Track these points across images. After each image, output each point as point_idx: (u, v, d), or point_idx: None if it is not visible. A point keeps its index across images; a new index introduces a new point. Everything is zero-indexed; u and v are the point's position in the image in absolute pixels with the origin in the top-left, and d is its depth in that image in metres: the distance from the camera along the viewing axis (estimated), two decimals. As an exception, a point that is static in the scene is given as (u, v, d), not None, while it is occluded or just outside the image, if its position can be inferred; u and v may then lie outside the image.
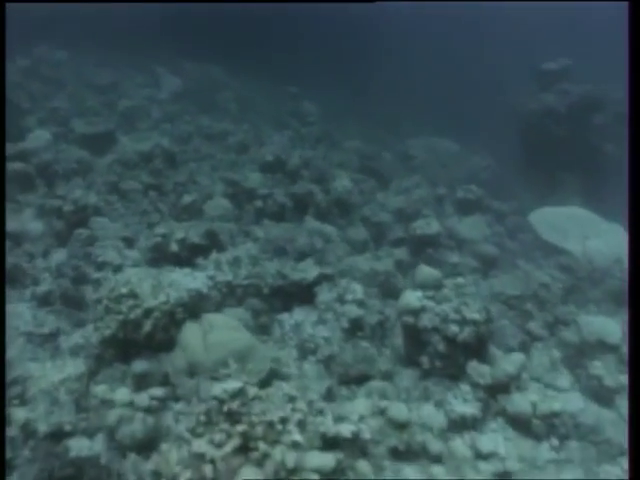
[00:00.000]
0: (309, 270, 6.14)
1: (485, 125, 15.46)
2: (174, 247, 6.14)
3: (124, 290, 4.76)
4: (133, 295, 4.75)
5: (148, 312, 4.71)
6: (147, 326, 4.67)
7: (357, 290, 5.97)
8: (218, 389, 3.78)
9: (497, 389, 4.87)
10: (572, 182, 12.33)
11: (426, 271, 5.54)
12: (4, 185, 7.49)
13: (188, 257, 6.27)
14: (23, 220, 7.22)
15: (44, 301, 5.87)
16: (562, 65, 13.09)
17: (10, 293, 5.86)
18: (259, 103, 14.38)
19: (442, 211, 10.63)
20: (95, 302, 5.08)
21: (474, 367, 4.98)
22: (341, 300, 5.85)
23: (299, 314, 5.82)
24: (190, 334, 4.68)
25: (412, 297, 5.32)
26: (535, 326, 6.29)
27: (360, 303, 5.85)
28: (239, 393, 3.73)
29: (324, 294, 5.96)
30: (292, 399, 3.85)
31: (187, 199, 8.12)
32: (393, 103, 20.08)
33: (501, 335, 5.97)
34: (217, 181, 8.88)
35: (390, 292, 6.71)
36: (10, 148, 8.36)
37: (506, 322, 6.24)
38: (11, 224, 6.96)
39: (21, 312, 5.60)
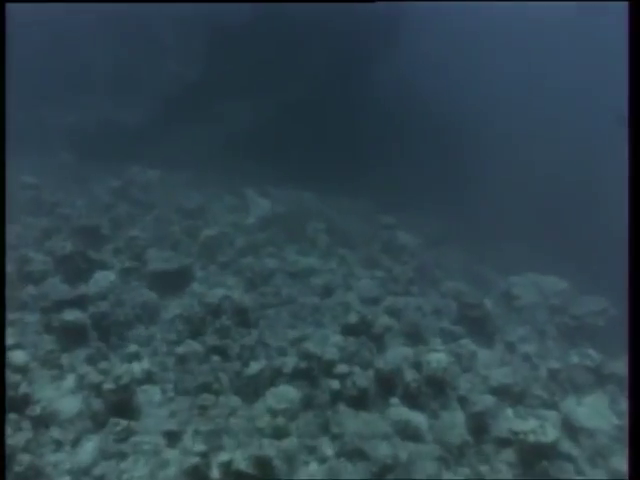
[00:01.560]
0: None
1: (596, 252, 13.71)
2: (215, 474, 4.77)
3: None
4: None
5: None
6: None
7: None
8: None
9: None
10: None
11: None
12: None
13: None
14: (61, 391, 6.18)
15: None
16: None
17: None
18: (350, 234, 13.32)
19: (554, 388, 8.77)
20: None
21: None
22: None
23: None
24: None
25: None
26: None
27: None
28: None
29: None
30: None
31: (253, 368, 6.87)
32: (493, 224, 18.59)
33: None
34: (290, 348, 7.58)
35: None
36: (69, 292, 7.58)
37: None
38: (46, 393, 5.95)
39: None
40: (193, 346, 7.12)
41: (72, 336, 7.11)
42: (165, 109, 15.60)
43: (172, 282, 9.19)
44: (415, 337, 9.36)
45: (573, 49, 22.37)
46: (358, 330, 8.00)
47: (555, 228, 16.96)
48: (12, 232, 10.68)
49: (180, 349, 6.97)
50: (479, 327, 10.39)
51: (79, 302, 7.54)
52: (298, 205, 14.18)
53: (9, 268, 8.79)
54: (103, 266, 9.24)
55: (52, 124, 15.56)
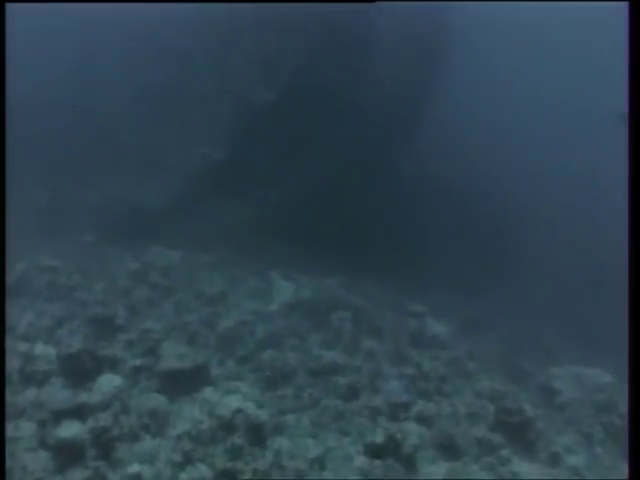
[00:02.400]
0: None
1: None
2: None
3: None
4: None
5: None
6: None
7: None
8: None
9: None
10: None
11: None
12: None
13: None
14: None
15: None
16: None
17: None
18: (377, 324, 12.56)
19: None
20: None
21: None
22: None
23: None
24: None
25: None
26: None
27: None
28: None
29: None
30: None
31: (266, 498, 6.05)
32: (528, 309, 17.82)
33: None
34: (309, 470, 6.77)
35: None
36: (69, 399, 6.97)
37: None
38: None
39: None
40: (200, 469, 6.37)
41: (68, 454, 6.45)
42: (190, 188, 15.40)
43: (185, 383, 8.54)
44: (449, 449, 8.47)
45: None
46: (385, 451, 7.15)
47: (595, 314, 16.09)
48: (24, 320, 10.30)
49: (184, 476, 6.22)
50: (519, 434, 9.44)
51: (80, 412, 6.90)
52: (323, 290, 13.55)
53: (13, 366, 8.30)
54: (112, 364, 8.66)
55: (76, 203, 15.45)
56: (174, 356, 9.01)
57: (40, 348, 9.00)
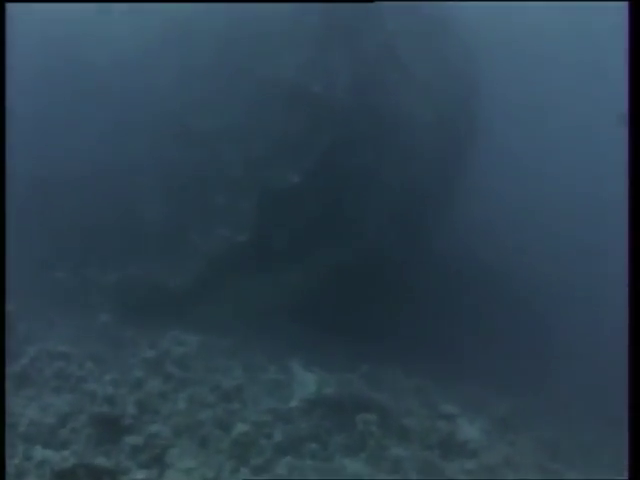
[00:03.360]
0: None
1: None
2: None
3: None
4: None
5: None
6: None
7: None
8: None
9: None
10: None
11: None
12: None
13: None
14: None
15: None
16: None
17: None
18: (405, 427, 11.57)
19: None
20: None
21: None
22: None
23: None
24: None
25: None
26: None
27: None
28: None
29: None
30: None
31: None
32: (569, 404, 16.72)
33: None
34: None
35: None
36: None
37: None
38: None
39: None
40: None
41: None
42: (212, 270, 14.94)
43: (192, 501, 7.68)
44: None
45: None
46: None
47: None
48: (26, 417, 9.64)
49: None
50: None
51: None
52: (347, 385, 12.67)
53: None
54: (112, 477, 7.87)
55: (95, 282, 15.06)
56: (181, 469, 8.21)
57: (38, 453, 8.31)
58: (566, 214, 25.39)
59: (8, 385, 10.07)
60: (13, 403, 9.89)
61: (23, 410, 9.88)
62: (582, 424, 14.89)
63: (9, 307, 11.40)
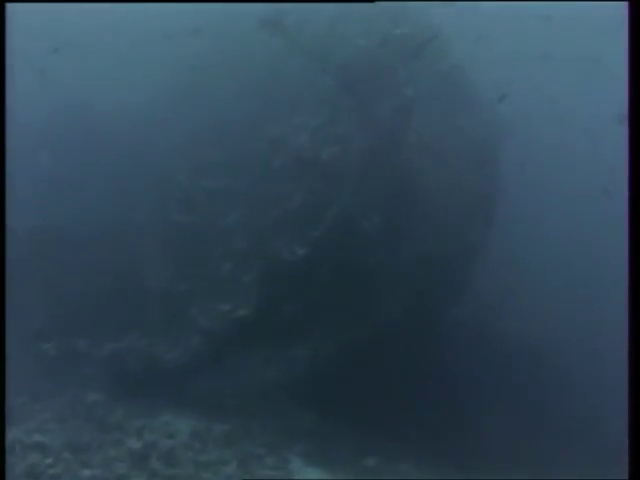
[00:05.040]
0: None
1: None
2: None
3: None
4: None
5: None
6: None
7: None
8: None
9: None
10: None
11: None
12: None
13: None
14: None
15: None
16: None
17: None
18: None
19: None
20: None
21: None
22: None
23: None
24: None
25: None
26: None
27: None
28: None
29: None
30: None
31: None
32: None
33: None
34: None
35: None
36: None
37: None
38: None
39: None
40: None
41: None
42: (210, 346, 13.95)
43: None
44: None
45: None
46: None
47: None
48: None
49: None
50: None
51: None
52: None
53: None
54: None
55: (86, 355, 14.15)
56: None
57: None
58: (583, 283, 24.36)
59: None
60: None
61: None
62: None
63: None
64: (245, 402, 13.57)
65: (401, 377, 14.92)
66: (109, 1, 19.39)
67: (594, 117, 24.41)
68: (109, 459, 11.01)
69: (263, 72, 16.91)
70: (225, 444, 12.35)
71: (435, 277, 15.64)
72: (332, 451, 12.62)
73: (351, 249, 14.06)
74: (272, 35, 13.81)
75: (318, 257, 13.70)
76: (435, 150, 15.10)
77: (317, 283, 13.77)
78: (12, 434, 11.01)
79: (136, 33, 19.68)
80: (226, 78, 17.91)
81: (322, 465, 11.99)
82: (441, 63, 17.08)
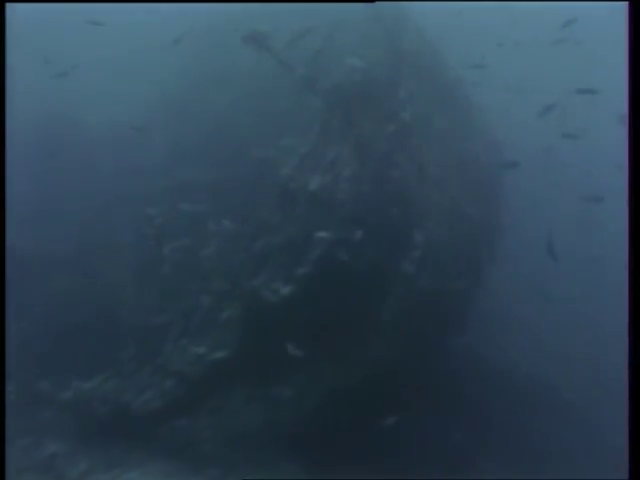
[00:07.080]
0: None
1: None
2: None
3: None
4: None
5: None
6: None
7: None
8: None
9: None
10: None
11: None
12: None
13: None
14: None
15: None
16: None
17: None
18: None
19: None
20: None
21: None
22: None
23: None
24: None
25: None
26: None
27: None
28: None
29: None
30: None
31: None
32: None
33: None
34: None
35: None
36: None
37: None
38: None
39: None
40: None
41: None
42: (184, 390, 12.75)
43: None
44: None
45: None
46: None
47: None
48: None
49: None
50: None
51: None
52: None
53: None
54: None
55: (48, 400, 12.92)
56: None
57: None
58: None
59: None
60: None
61: None
62: None
63: None
64: (222, 456, 12.35)
65: (390, 419, 13.69)
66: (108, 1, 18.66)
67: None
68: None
69: (252, 87, 16.01)
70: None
71: (433, 316, 14.50)
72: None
73: (340, 288, 12.91)
74: (257, 52, 12.74)
75: (305, 295, 12.55)
76: (433, 180, 13.99)
77: (302, 324, 12.60)
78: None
79: (122, 47, 19.06)
80: (212, 93, 17.00)
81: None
82: (439, 84, 16.12)
